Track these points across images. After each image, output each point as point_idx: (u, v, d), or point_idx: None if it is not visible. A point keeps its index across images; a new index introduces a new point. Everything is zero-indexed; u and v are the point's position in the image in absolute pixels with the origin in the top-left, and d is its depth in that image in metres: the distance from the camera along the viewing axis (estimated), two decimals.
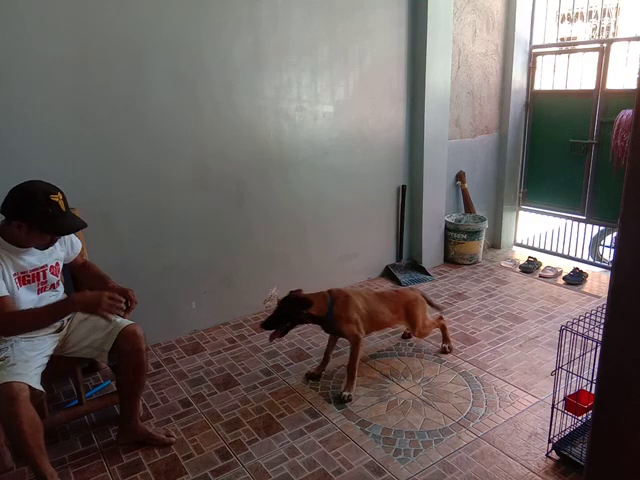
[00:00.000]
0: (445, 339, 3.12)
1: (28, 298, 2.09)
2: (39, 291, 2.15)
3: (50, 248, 2.16)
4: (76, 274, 2.46)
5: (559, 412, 2.22)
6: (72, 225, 2.08)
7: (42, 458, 1.94)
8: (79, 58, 2.69)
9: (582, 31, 5.22)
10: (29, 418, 1.85)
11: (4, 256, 2.00)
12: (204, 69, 3.10)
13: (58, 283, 2.26)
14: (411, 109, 4.14)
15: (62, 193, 2.03)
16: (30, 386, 1.89)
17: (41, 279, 2.14)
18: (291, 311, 2.65)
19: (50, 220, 1.97)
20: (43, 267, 2.14)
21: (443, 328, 3.12)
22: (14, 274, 2.03)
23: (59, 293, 2.27)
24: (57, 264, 2.23)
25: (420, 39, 3.96)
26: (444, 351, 3.09)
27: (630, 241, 1.27)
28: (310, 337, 3.34)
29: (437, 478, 2.13)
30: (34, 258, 2.10)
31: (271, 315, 2.68)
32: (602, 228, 4.57)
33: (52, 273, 2.19)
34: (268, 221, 3.60)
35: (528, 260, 4.49)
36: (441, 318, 3.14)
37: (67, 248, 2.30)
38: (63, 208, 2.00)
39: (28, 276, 2.09)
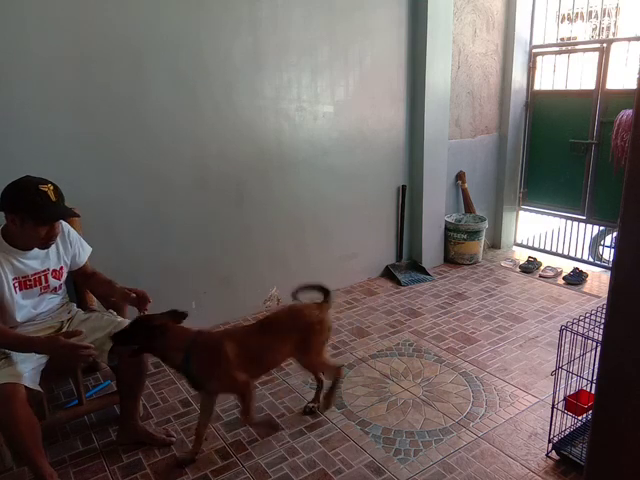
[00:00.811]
0: (325, 396, 2.54)
1: (26, 303, 2.09)
2: (40, 294, 2.15)
3: (53, 251, 2.15)
4: (84, 282, 2.42)
5: (559, 412, 2.22)
6: (62, 213, 2.06)
7: (41, 458, 1.94)
8: (79, 58, 2.69)
9: (582, 31, 5.21)
10: (26, 419, 1.85)
11: (3, 260, 2.00)
12: (204, 69, 3.10)
13: (60, 287, 2.25)
14: (411, 109, 4.13)
15: (54, 185, 2.01)
16: (27, 386, 1.89)
17: (43, 283, 2.14)
18: (137, 336, 2.06)
19: (39, 209, 1.95)
20: (45, 271, 2.14)
21: (335, 380, 2.50)
22: (14, 278, 2.03)
23: (59, 297, 2.27)
24: (61, 268, 2.22)
25: (420, 39, 3.96)
26: (306, 411, 2.55)
27: (630, 241, 1.27)
28: None
29: (437, 478, 2.13)
30: (36, 262, 2.10)
31: (123, 329, 2.10)
32: (602, 228, 4.57)
33: (54, 277, 2.18)
34: (268, 221, 3.60)
35: (528, 260, 4.49)
36: (340, 369, 2.53)
37: (75, 251, 2.27)
38: (53, 198, 1.98)
39: (29, 280, 2.09)
